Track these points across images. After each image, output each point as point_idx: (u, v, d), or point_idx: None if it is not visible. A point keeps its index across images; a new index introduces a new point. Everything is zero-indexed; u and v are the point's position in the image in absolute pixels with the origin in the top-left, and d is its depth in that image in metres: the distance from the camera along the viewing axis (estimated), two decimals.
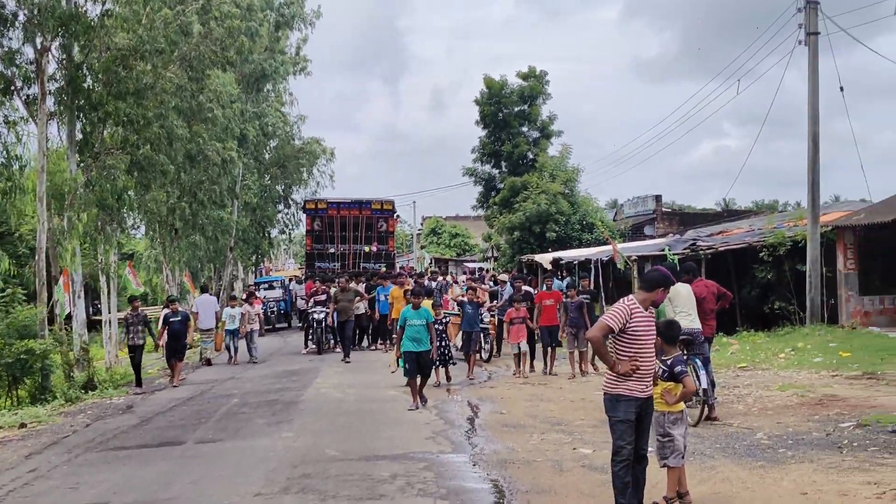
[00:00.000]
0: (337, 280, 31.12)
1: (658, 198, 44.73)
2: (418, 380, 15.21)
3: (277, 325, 39.34)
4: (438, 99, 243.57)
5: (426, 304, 16.03)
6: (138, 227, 38.06)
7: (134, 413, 16.33)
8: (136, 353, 21.08)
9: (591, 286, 20.96)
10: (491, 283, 26.63)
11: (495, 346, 22.70)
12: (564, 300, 19.07)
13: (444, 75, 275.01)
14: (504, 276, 27.36)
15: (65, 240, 20.97)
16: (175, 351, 21.07)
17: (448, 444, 11.80)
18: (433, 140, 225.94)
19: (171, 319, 21.05)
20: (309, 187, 53.81)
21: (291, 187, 54.75)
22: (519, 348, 18.85)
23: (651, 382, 7.71)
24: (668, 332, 8.27)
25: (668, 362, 8.10)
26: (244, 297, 28.47)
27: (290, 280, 46.69)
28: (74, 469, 11.34)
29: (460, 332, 21.38)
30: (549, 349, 19.30)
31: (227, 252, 44.47)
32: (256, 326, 26.53)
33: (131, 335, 20.99)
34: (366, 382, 18.46)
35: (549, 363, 19.21)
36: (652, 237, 39.64)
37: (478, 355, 20.53)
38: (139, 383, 20.77)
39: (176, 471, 10.86)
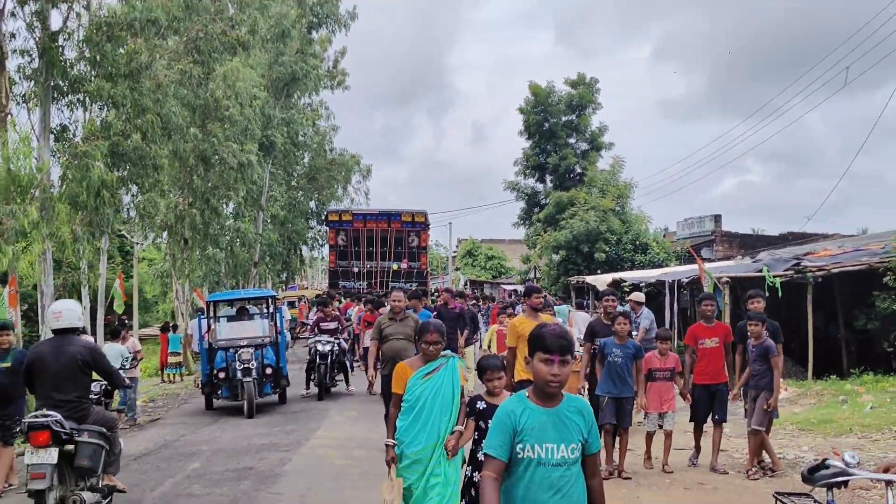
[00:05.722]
0: (374, 296, 24.59)
1: (717, 218, 38.77)
2: None
3: (260, 399, 16.46)
4: (479, 132, 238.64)
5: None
6: (134, 232, 32.88)
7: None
8: None
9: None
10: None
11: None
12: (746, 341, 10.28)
13: (484, 110, 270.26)
14: (639, 296, 15.14)
15: (6, 241, 15.43)
16: None
17: None
18: (472, 171, 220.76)
19: None
20: (343, 204, 48.52)
21: (324, 203, 49.54)
22: (661, 423, 10.60)
23: None
24: None
25: None
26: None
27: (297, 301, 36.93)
28: None
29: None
30: (702, 425, 10.80)
31: (252, 267, 39.05)
32: (137, 374, 16.37)
33: None
34: (381, 437, 12.48)
35: (714, 452, 10.54)
36: (710, 260, 33.65)
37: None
38: None
39: None
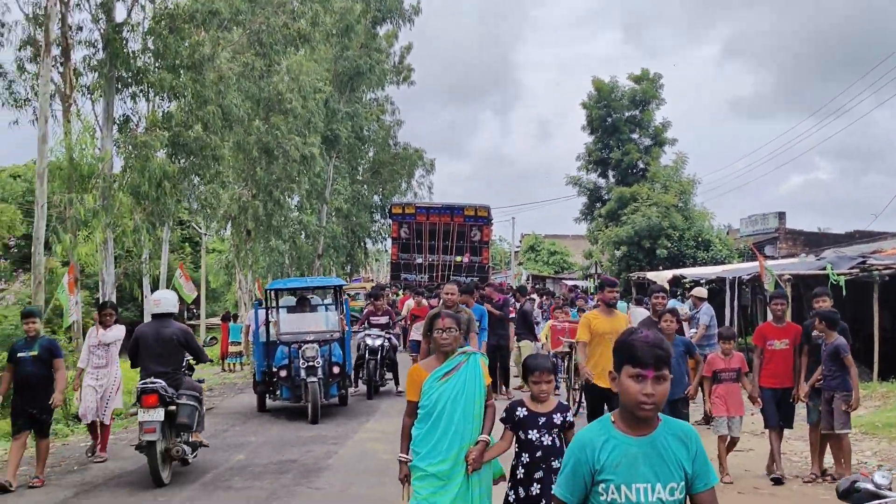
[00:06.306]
0: (423, 288, 24.53)
1: (781, 215, 37.68)
2: None
3: (325, 401, 14.33)
4: (544, 129, 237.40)
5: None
6: (199, 223, 32.96)
7: (85, 473, 10.41)
8: None
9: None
10: (678, 302, 16.50)
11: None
12: (817, 339, 9.42)
13: (550, 107, 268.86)
14: (702, 291, 15.18)
15: (65, 229, 15.40)
16: (27, 415, 9.73)
17: None
18: (537, 167, 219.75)
19: (19, 355, 9.77)
20: (406, 198, 48.30)
21: (388, 197, 49.46)
22: (728, 427, 9.58)
23: None
24: None
25: None
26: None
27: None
28: None
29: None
30: (777, 430, 9.66)
31: (315, 259, 39.00)
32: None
33: None
34: None
35: (776, 455, 9.63)
36: (773, 258, 32.71)
37: None
38: None
39: None
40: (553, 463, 5.37)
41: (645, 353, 3.12)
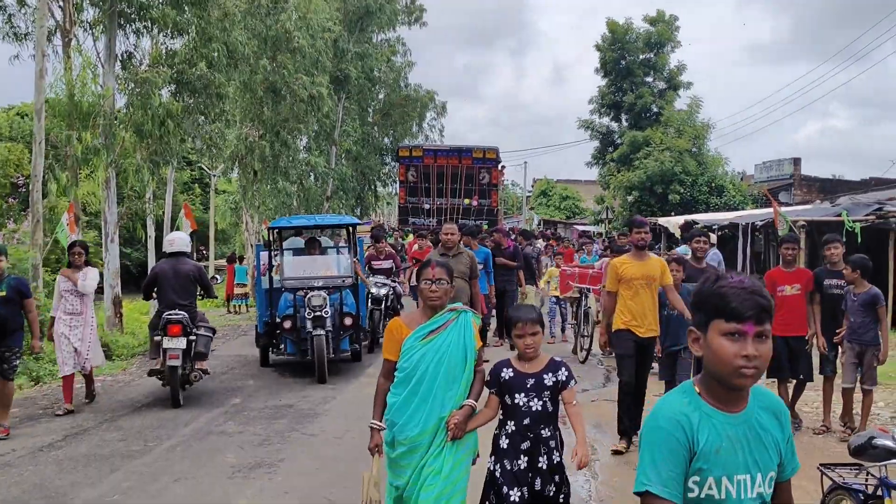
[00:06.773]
0: (433, 232, 24.03)
1: (797, 161, 37.00)
2: None
3: (336, 356, 12.80)
4: (558, 74, 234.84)
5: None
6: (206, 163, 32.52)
7: (76, 416, 10.14)
8: None
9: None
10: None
11: None
12: (830, 289, 9.08)
13: (565, 52, 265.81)
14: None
15: (62, 167, 15.05)
16: None
17: None
18: (551, 112, 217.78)
19: None
20: (417, 141, 47.65)
21: (398, 140, 48.83)
22: None
23: None
24: None
25: None
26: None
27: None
28: None
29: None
30: (793, 383, 9.35)
31: (324, 201, 38.61)
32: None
33: None
34: None
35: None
36: (788, 204, 32.23)
37: None
38: None
39: None
40: (542, 432, 4.64)
41: (744, 304, 2.35)
